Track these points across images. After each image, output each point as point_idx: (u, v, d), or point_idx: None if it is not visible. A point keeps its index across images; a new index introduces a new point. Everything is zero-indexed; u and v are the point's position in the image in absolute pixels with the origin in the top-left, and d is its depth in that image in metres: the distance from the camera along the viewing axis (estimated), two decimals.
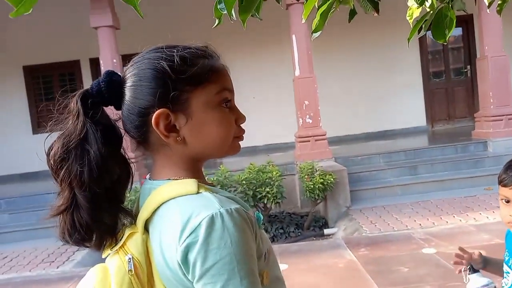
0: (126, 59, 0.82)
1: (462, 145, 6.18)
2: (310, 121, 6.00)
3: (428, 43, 8.34)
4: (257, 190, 4.77)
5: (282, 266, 3.77)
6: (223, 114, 0.74)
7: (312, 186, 4.89)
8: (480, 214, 4.49)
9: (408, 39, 1.76)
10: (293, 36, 5.95)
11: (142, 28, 5.27)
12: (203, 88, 0.72)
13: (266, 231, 4.71)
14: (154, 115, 0.70)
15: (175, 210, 0.67)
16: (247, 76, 7.43)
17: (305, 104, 6.00)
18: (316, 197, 4.97)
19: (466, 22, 7.68)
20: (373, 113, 7.97)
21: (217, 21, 1.18)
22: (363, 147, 6.82)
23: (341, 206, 5.15)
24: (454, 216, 4.53)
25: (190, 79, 0.71)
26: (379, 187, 5.50)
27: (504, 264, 1.52)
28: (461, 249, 1.62)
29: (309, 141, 5.97)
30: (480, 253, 1.70)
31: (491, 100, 6.06)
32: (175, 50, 0.72)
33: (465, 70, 8.11)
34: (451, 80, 8.34)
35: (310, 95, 5.99)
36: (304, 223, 5.17)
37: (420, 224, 4.45)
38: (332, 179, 4.95)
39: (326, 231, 4.92)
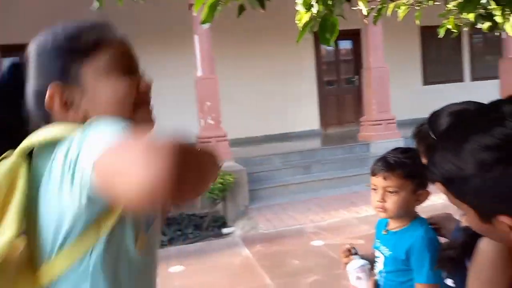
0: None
1: (349, 146, 6.78)
2: (212, 122, 6.02)
3: (323, 54, 9.01)
4: None
5: (178, 268, 3.70)
6: (116, 80, 0.72)
7: (211, 186, 4.90)
8: (362, 208, 4.96)
9: (297, 41, 1.87)
10: (196, 37, 5.93)
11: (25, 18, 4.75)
12: (92, 59, 0.72)
13: (164, 234, 4.58)
14: (47, 93, 0.70)
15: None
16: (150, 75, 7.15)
17: (207, 105, 6.00)
18: (216, 197, 5.00)
19: (356, 35, 8.45)
20: (273, 116, 8.30)
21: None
22: (262, 149, 7.05)
23: (240, 205, 5.25)
24: (340, 211, 4.94)
25: (77, 52, 0.71)
26: (276, 186, 5.74)
27: (375, 250, 1.68)
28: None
29: (211, 142, 5.98)
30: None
31: (373, 107, 6.77)
32: (61, 28, 0.73)
33: (354, 79, 8.92)
34: (342, 88, 9.11)
35: (211, 96, 6.02)
36: (203, 224, 5.15)
37: (311, 219, 4.76)
38: (231, 179, 5.03)
39: (224, 230, 4.97)
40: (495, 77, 8.45)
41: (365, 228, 4.29)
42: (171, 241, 4.69)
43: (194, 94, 6.34)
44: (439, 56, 9.85)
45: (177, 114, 7.50)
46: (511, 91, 7.23)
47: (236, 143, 7.63)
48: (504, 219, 0.59)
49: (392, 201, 1.45)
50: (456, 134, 0.64)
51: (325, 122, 8.75)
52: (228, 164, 5.72)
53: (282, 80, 8.42)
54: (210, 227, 5.14)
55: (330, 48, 9.14)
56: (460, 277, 1.03)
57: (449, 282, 1.12)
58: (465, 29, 2.67)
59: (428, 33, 8.13)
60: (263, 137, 8.20)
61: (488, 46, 9.88)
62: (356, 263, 1.67)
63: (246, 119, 8.10)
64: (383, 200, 1.47)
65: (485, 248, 0.97)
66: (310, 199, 5.45)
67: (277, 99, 8.36)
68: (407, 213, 1.49)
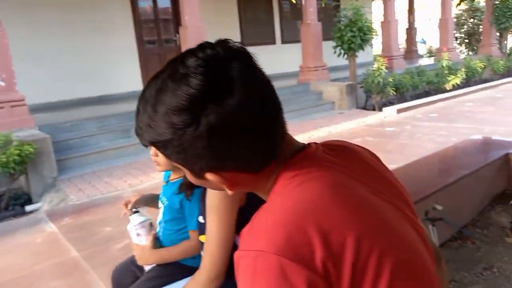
0: None
1: None
2: (3, 83, 5.06)
3: (141, 12, 8.53)
4: None
5: None
6: None
7: (5, 160, 4.18)
8: None
9: None
10: None
11: None
12: None
13: None
14: None
15: None
16: None
17: None
18: (13, 172, 4.30)
19: None
20: (88, 77, 7.55)
21: None
22: (75, 113, 6.37)
23: (46, 177, 4.66)
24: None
25: None
26: (91, 153, 5.30)
27: (159, 200, 1.66)
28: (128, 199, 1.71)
29: (3, 107, 5.05)
30: (143, 194, 1.82)
31: None
32: None
33: (175, 38, 8.76)
34: (163, 47, 8.86)
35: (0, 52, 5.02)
36: (0, 203, 4.40)
37: (130, 184, 4.58)
38: (31, 150, 4.38)
39: (28, 208, 4.36)
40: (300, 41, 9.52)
41: None
42: None
43: None
44: (255, 19, 10.50)
45: None
46: (309, 53, 8.21)
47: (44, 108, 6.71)
48: (209, 175, 0.59)
49: (161, 155, 1.44)
50: (150, 95, 0.58)
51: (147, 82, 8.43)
52: (29, 132, 4.98)
53: (97, 37, 7.67)
54: (11, 205, 4.44)
55: (149, 6, 8.72)
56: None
57: (200, 219, 1.18)
58: None
59: None
60: (77, 101, 7.42)
61: (294, 12, 10.99)
62: (135, 220, 1.63)
63: (56, 80, 7.16)
64: (155, 154, 1.44)
65: (210, 196, 1.05)
66: (129, 164, 5.22)
67: (91, 58, 7.60)
68: None
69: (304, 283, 0.48)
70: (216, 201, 1.03)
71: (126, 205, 1.66)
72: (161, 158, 1.42)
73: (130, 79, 8.11)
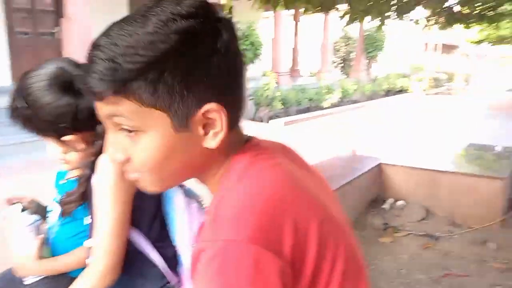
0: None
1: None
2: None
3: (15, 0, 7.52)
4: None
5: None
6: None
7: None
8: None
9: None
10: None
11: None
12: None
13: None
14: None
15: None
16: None
17: None
18: None
19: None
20: None
21: None
22: None
23: None
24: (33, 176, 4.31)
25: None
26: None
27: (53, 202, 1.43)
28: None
29: None
30: (33, 200, 1.54)
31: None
32: None
33: (54, 31, 7.91)
34: (40, 38, 7.91)
35: None
36: None
37: None
38: None
39: None
40: None
41: None
42: None
43: None
44: None
45: None
46: None
47: None
48: (211, 108, 0.52)
49: (73, 152, 1.29)
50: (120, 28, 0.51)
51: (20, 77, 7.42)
52: None
53: None
54: None
55: None
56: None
57: (88, 219, 1.07)
58: None
59: None
60: None
61: None
62: (25, 220, 1.34)
63: None
64: (65, 152, 1.26)
65: (103, 178, 0.96)
66: None
67: None
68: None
69: (276, 272, 0.45)
70: (111, 181, 0.93)
71: (10, 202, 1.39)
72: (72, 154, 1.24)
73: None
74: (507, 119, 9.57)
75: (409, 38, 25.00)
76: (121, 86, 0.49)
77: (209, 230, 0.50)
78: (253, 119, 9.13)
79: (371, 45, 14.89)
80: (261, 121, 8.95)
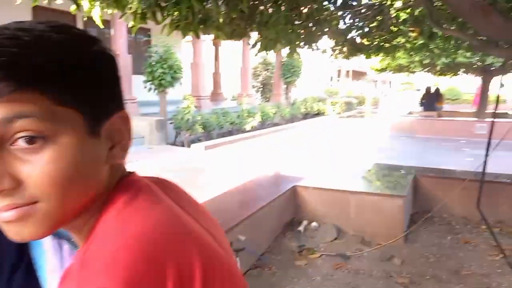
0: None
1: None
2: None
3: None
4: None
5: None
6: None
7: None
8: None
9: None
10: None
11: None
12: None
13: None
14: None
15: None
16: None
17: None
18: None
19: None
20: None
21: None
22: None
23: None
24: None
25: None
26: None
27: None
28: None
29: None
30: None
31: None
32: None
33: None
34: None
35: None
36: None
37: None
38: None
39: None
40: None
41: None
42: None
43: None
44: None
45: None
46: None
47: None
48: (117, 119, 0.49)
49: None
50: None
51: None
52: None
53: None
54: None
55: None
56: None
57: None
58: None
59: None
60: None
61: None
62: None
63: None
64: None
65: None
66: None
67: None
68: None
69: None
70: None
71: None
72: None
73: None
74: (408, 140, 10.56)
75: (324, 64, 26.77)
76: (31, 80, 0.41)
77: (77, 278, 0.42)
78: (174, 144, 8.92)
79: (289, 71, 15.61)
80: (183, 145, 8.78)
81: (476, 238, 3.64)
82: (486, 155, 2.99)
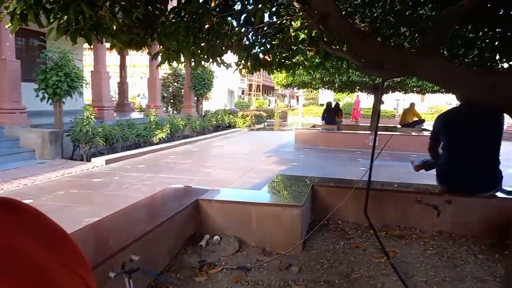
0: None
1: None
2: None
3: None
4: None
5: None
6: None
7: None
8: None
9: None
10: None
11: None
12: None
13: None
14: None
15: None
16: None
17: None
18: None
19: None
20: None
21: None
22: None
23: None
24: None
25: None
26: None
27: None
28: None
29: None
30: None
31: None
32: None
33: None
34: None
35: None
36: None
37: None
38: None
39: None
40: None
41: None
42: None
43: None
44: None
45: None
46: (4, 93, 7.07)
47: None
48: None
49: None
50: None
51: None
52: None
53: None
54: None
55: None
56: None
57: None
58: None
59: None
60: None
61: None
62: None
63: None
64: None
65: None
66: None
67: None
68: None
69: None
70: None
71: None
72: None
73: None
74: (311, 151, 11.18)
75: (235, 78, 27.23)
76: None
77: None
78: (71, 158, 8.23)
79: (199, 84, 15.55)
80: (82, 159, 8.14)
81: (365, 243, 3.94)
82: (371, 166, 3.27)
